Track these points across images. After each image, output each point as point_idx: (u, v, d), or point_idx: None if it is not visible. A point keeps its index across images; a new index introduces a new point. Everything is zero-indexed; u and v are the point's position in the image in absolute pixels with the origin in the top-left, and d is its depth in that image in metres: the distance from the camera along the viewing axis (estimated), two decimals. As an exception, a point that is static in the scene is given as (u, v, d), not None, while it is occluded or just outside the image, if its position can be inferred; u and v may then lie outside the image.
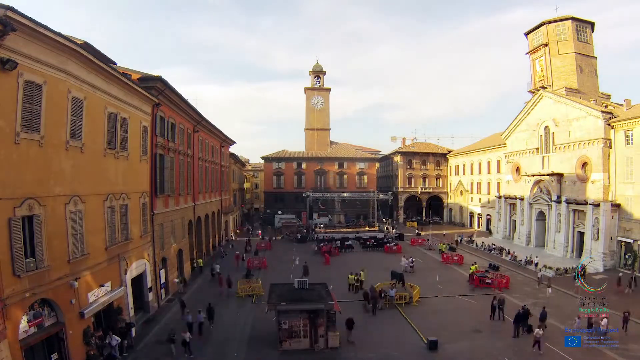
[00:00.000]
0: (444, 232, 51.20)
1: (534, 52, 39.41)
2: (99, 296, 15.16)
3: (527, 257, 33.41)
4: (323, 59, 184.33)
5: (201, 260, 31.49)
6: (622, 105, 33.95)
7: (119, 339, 15.20)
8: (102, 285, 15.46)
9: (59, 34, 12.19)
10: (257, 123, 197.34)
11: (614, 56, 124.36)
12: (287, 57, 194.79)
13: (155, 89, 21.55)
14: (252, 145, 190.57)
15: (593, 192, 31.54)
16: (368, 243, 41.26)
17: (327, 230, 48.20)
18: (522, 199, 41.25)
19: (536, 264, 31.04)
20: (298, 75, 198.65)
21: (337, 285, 24.46)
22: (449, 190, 65.36)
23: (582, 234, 32.99)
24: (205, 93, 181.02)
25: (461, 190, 61.22)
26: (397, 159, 66.16)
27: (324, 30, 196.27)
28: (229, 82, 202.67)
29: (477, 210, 56.96)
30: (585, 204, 31.76)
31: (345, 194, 54.48)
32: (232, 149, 52.51)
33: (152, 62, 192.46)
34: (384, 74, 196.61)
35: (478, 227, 55.92)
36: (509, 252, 36.16)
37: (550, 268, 29.62)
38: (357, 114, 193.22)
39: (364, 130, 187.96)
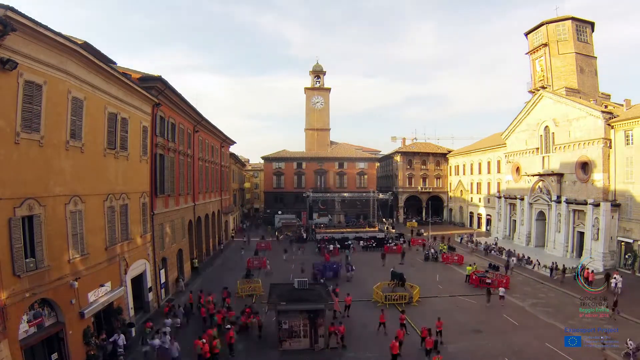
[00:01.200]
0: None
1: (534, 52, 39.39)
2: (99, 296, 15.17)
3: (522, 255, 33.58)
4: (345, 47, 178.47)
5: (196, 260, 30.92)
6: (622, 105, 33.95)
7: (123, 337, 15.28)
8: (102, 285, 15.47)
9: (59, 34, 12.19)
10: (261, 118, 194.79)
11: (615, 56, 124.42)
12: (302, 41, 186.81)
13: (155, 89, 21.57)
14: (255, 141, 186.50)
15: (593, 192, 31.54)
16: (368, 244, 41.27)
17: (327, 230, 48.19)
18: (522, 199, 41.25)
19: (530, 261, 31.15)
20: (306, 65, 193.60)
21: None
22: (449, 190, 65.36)
23: (582, 234, 32.99)
24: (204, 83, 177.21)
25: (461, 190, 61.22)
26: (397, 158, 66.19)
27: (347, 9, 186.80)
28: (232, 70, 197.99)
29: (477, 210, 56.97)
30: (585, 204, 31.76)
31: (345, 194, 54.41)
32: (232, 149, 52.60)
33: (147, 42, 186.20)
34: (408, 63, 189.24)
35: (478, 227, 55.91)
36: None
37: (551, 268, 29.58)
38: (379, 109, 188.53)
39: (386, 124, 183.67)
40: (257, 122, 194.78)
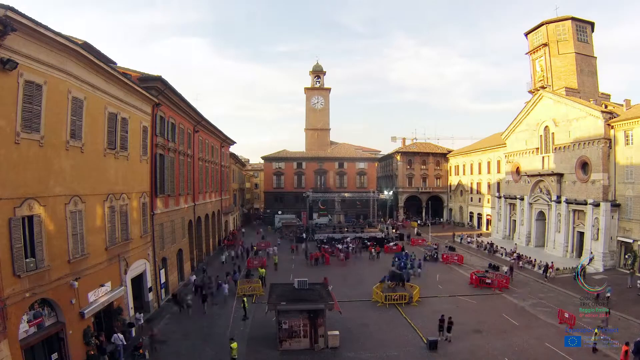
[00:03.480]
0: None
1: (534, 52, 39.37)
2: (99, 296, 15.17)
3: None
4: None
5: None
6: (622, 105, 33.92)
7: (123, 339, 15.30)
8: (102, 285, 15.48)
9: (59, 34, 12.19)
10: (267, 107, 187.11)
11: (614, 56, 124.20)
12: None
13: (155, 89, 21.58)
14: (256, 141, 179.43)
15: (593, 192, 31.53)
16: (367, 243, 41.19)
17: (327, 231, 48.15)
18: (522, 199, 41.24)
19: (531, 261, 31.09)
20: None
21: (335, 285, 24.51)
22: (449, 190, 65.38)
23: (582, 234, 32.98)
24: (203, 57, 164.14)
25: (461, 190, 61.24)
26: (397, 158, 66.22)
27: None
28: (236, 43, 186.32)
29: (477, 210, 56.97)
30: (585, 204, 31.76)
31: (345, 194, 54.37)
32: (232, 149, 52.56)
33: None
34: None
35: (478, 227, 55.93)
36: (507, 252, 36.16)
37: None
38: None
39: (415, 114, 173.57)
40: (265, 113, 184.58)
